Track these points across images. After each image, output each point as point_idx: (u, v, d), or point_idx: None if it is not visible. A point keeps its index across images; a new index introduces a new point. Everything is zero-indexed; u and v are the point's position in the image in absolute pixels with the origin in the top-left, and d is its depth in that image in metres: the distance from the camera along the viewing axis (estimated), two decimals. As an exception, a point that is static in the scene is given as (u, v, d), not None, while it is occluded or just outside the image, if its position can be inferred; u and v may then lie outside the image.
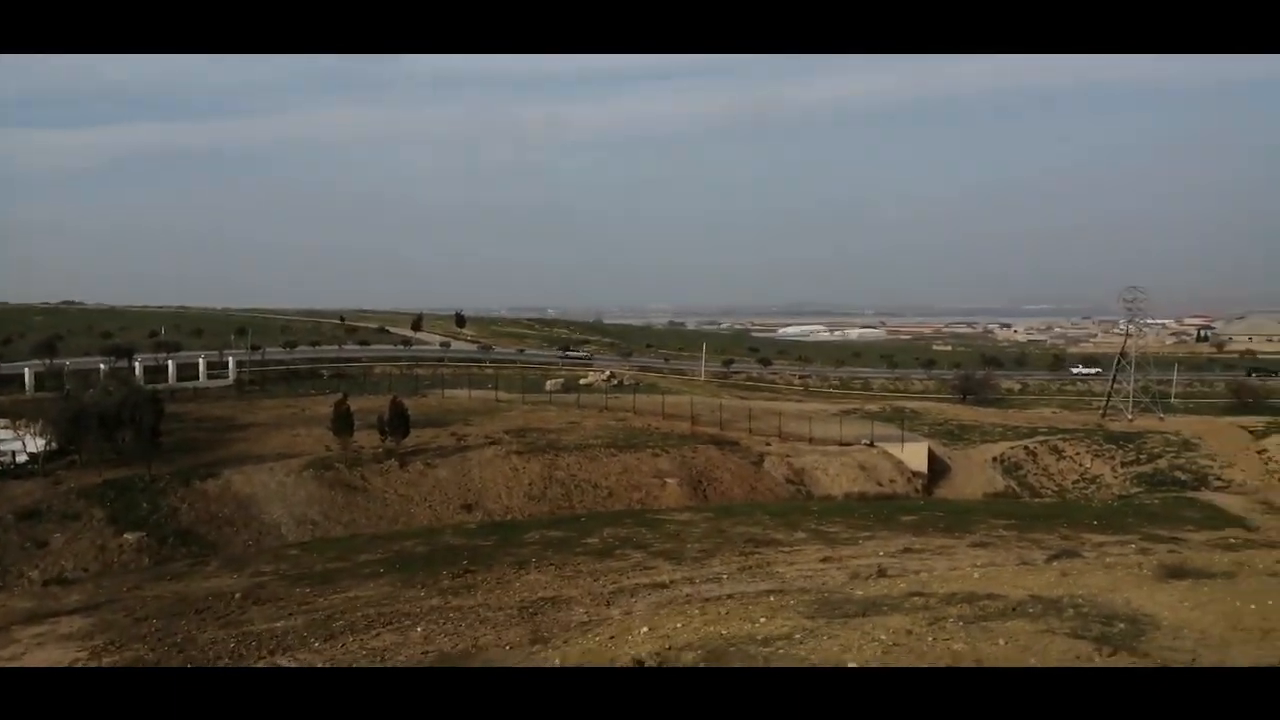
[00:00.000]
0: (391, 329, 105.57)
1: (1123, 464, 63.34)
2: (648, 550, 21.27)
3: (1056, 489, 56.59)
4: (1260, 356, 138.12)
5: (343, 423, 35.21)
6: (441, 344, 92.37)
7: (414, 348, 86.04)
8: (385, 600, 17.65)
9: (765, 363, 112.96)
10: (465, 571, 19.63)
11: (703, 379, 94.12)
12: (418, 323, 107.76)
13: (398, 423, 35.49)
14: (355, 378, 60.90)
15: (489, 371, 72.29)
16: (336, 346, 79.68)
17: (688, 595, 15.27)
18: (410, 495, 32.13)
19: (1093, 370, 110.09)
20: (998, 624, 8.37)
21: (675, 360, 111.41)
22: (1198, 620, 8.20)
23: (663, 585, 16.76)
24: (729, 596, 13.22)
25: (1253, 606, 8.48)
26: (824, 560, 18.80)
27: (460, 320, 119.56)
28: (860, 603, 10.11)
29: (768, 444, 44.10)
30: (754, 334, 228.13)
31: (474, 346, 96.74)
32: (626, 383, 72.76)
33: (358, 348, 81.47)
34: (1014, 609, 8.98)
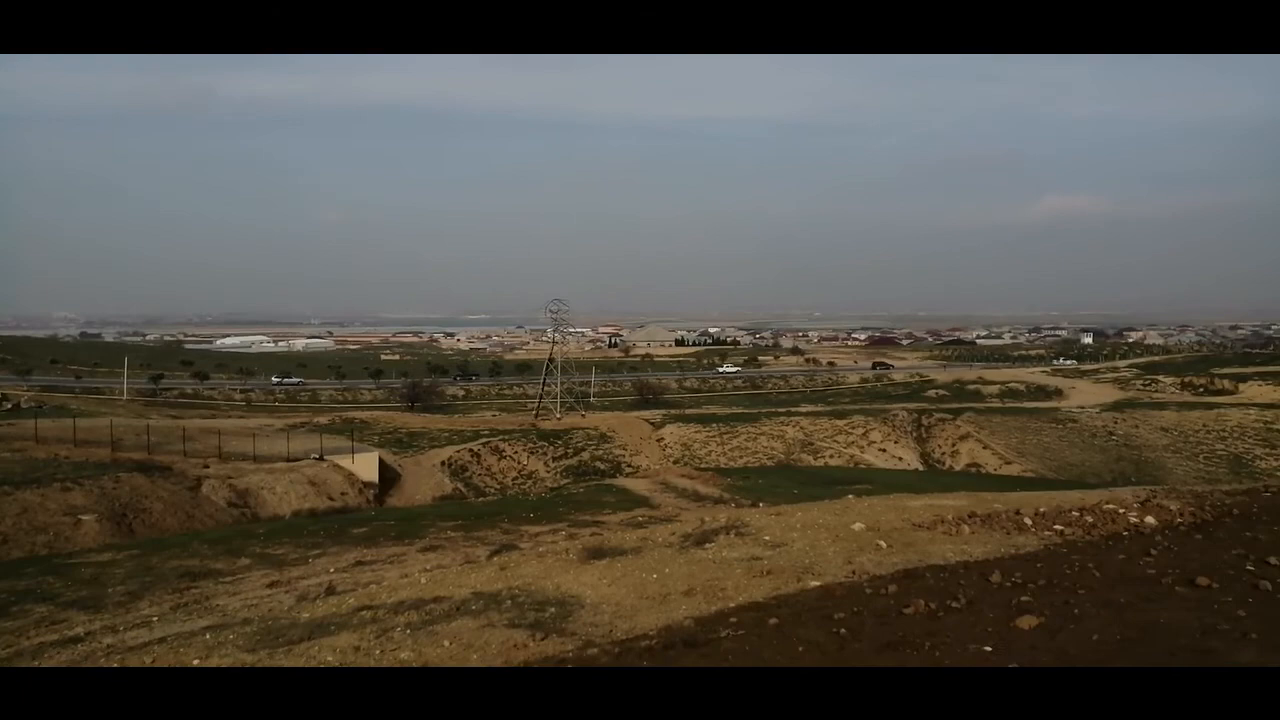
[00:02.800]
0: None
1: (554, 459, 70.51)
2: (56, 601, 18.14)
3: (499, 487, 60.92)
4: (656, 359, 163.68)
5: None
6: None
7: None
8: None
9: (202, 377, 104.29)
10: None
11: (125, 398, 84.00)
12: None
13: None
14: None
15: None
16: None
17: (109, 646, 13.33)
18: None
19: (294, 380, 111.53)
20: (443, 625, 8.65)
21: (90, 378, 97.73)
22: (614, 594, 9.31)
23: (76, 640, 14.39)
24: (159, 641, 11.82)
25: (654, 576, 9.89)
26: (271, 585, 17.76)
27: None
28: (306, 625, 9.73)
29: (206, 466, 40.62)
30: (188, 346, 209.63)
31: None
32: (25, 405, 61.96)
33: None
34: (458, 608, 9.35)
